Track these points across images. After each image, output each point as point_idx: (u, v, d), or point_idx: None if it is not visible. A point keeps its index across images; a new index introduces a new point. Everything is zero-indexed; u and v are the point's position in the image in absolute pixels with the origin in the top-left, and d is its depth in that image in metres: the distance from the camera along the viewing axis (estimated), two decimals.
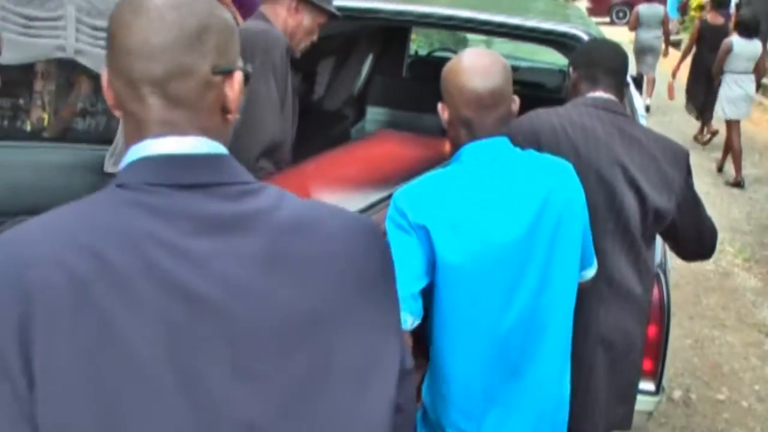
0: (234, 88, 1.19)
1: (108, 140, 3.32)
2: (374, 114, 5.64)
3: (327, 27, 3.21)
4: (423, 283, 2.06)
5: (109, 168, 3.31)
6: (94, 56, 3.21)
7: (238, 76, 1.20)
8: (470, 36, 6.51)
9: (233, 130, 1.25)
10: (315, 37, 3.14)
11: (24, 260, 1.02)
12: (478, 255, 2.06)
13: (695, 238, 2.79)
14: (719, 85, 9.04)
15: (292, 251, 1.13)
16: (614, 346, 2.58)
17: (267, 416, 1.08)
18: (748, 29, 8.87)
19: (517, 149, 2.20)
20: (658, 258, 3.31)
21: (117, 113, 1.21)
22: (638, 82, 5.89)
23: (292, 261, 1.13)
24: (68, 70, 3.17)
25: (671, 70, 10.43)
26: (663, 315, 3.12)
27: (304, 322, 1.12)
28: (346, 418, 1.14)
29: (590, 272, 2.36)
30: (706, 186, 8.72)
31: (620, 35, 11.07)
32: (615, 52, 2.74)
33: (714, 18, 10.20)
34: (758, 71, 8.96)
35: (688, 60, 10.52)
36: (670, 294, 3.20)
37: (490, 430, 2.16)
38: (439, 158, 2.68)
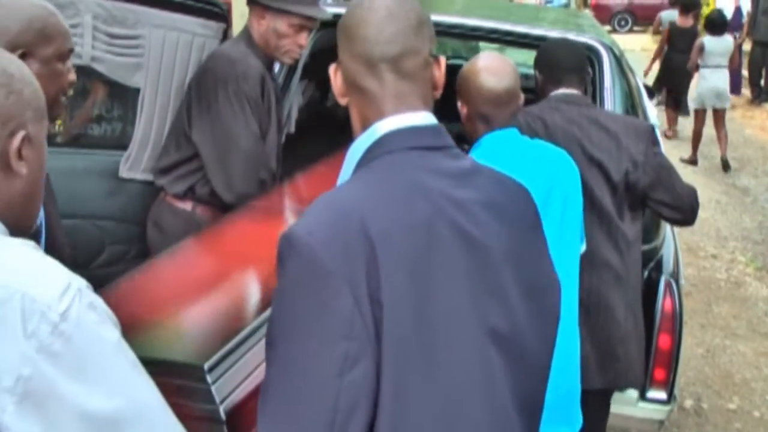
0: (440, 70, 1.51)
1: (123, 146, 3.34)
2: None
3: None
4: None
5: (123, 173, 3.33)
6: (109, 63, 3.24)
7: (443, 60, 1.52)
8: (482, 44, 6.51)
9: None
10: (301, 41, 3.03)
11: (365, 216, 1.30)
12: None
13: (672, 202, 2.95)
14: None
15: (497, 200, 1.46)
16: (590, 310, 2.80)
17: (508, 324, 1.41)
18: (716, 27, 9.75)
19: (526, 138, 2.53)
20: (669, 267, 3.32)
21: (343, 101, 1.52)
22: (650, 90, 5.88)
23: (498, 206, 1.45)
24: (84, 77, 3.19)
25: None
26: (675, 324, 3.12)
27: (513, 251, 1.44)
28: (550, 329, 1.51)
29: (582, 247, 2.60)
30: (717, 195, 8.71)
31: (632, 43, 11.06)
32: (573, 51, 3.06)
33: (683, 21, 10.84)
34: (733, 64, 9.91)
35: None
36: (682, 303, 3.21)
37: None
38: None
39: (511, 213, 1.47)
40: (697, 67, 9.74)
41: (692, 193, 3.00)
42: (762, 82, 13.84)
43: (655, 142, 2.95)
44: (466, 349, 1.36)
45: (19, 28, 1.89)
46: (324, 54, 3.15)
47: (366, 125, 1.47)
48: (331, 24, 3.09)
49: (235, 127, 2.92)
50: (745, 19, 13.37)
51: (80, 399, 1.13)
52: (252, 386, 1.78)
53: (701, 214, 7.98)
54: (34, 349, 1.11)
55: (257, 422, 1.30)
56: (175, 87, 3.29)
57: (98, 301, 1.21)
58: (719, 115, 9.81)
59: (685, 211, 2.99)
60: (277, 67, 3.40)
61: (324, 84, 5.01)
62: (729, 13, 13.03)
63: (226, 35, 3.39)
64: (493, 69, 2.45)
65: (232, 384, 1.73)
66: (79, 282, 1.19)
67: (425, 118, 1.46)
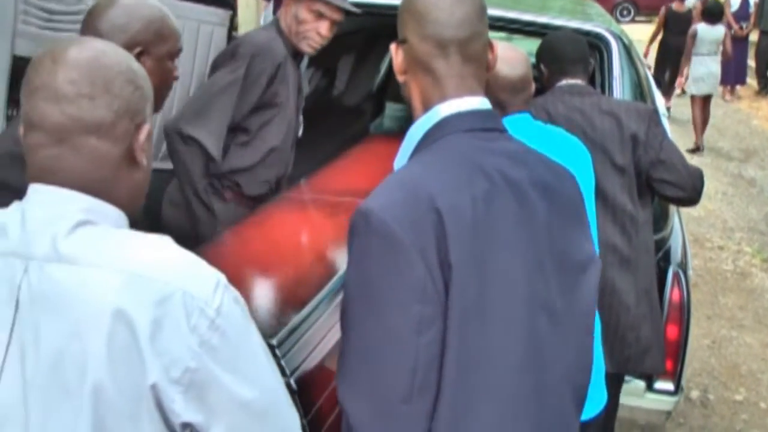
0: (494, 53, 1.63)
1: None
2: (393, 110, 5.63)
3: (347, 23, 3.19)
4: None
5: None
6: None
7: (496, 44, 1.66)
8: (490, 33, 6.50)
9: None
10: (322, 30, 3.03)
11: (432, 190, 1.41)
12: None
13: (674, 180, 2.96)
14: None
15: (546, 181, 1.56)
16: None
17: (553, 297, 1.52)
18: (712, 16, 10.19)
19: (539, 122, 2.59)
20: (678, 258, 3.30)
21: (402, 78, 1.61)
22: (657, 80, 5.86)
23: (546, 187, 1.55)
24: None
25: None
26: (683, 315, 3.11)
27: (558, 230, 1.55)
28: (589, 309, 1.62)
29: None
30: (724, 186, 8.69)
31: (638, 33, 11.02)
32: (575, 42, 3.10)
33: (678, 6, 11.45)
34: (725, 53, 10.31)
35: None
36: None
37: None
38: None
39: (558, 194, 1.57)
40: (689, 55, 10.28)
41: (696, 173, 3.01)
42: None
43: (657, 123, 3.00)
44: (518, 316, 1.47)
45: (138, 28, 2.01)
46: (330, 42, 3.13)
47: (427, 105, 1.58)
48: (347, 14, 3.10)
49: (219, 82, 2.94)
50: (752, 10, 13.28)
51: (234, 388, 1.24)
52: (318, 357, 1.95)
53: (708, 205, 8.01)
54: (196, 343, 1.22)
55: (337, 386, 1.43)
56: (181, 74, 3.27)
57: (238, 294, 1.30)
58: (707, 100, 10.24)
59: (688, 189, 2.98)
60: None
61: (330, 73, 5.00)
62: (737, 4, 12.99)
63: (232, 22, 3.38)
64: (507, 58, 2.49)
65: (300, 356, 1.88)
66: (222, 277, 1.29)
67: (481, 102, 1.58)
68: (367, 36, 4.84)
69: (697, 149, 10.00)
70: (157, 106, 1.96)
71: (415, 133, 1.59)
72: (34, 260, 1.24)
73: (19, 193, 1.50)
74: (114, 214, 1.32)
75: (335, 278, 2.25)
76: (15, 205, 1.31)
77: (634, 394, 3.19)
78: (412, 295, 1.38)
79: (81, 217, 1.27)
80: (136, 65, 1.37)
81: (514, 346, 1.46)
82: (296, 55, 3.13)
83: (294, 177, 3.35)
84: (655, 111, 3.07)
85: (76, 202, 1.28)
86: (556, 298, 1.53)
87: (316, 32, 3.03)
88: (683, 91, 11.07)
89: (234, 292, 1.29)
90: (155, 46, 2.05)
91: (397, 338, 1.37)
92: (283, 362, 1.78)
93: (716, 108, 9.80)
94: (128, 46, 1.85)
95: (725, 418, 4.41)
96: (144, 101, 1.36)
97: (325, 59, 4.03)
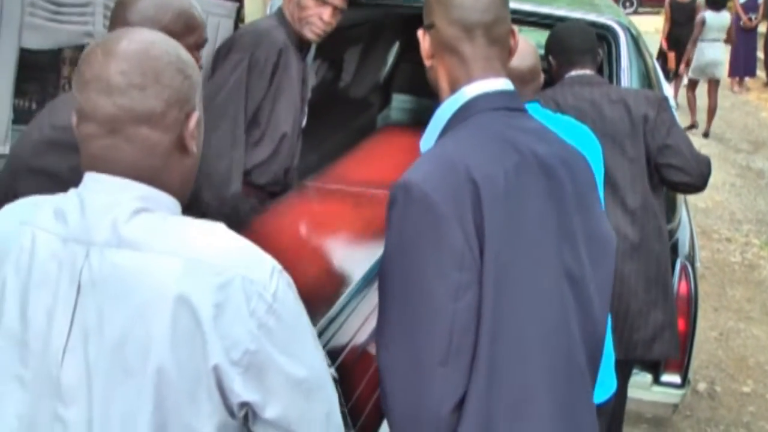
0: (515, 38, 1.72)
1: None
2: (400, 101, 5.62)
3: (354, 15, 3.18)
4: None
5: None
6: None
7: (516, 30, 1.72)
8: None
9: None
10: (325, 15, 3.01)
11: (468, 162, 1.49)
12: None
13: (680, 164, 2.97)
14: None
15: (566, 158, 1.64)
16: None
17: (578, 268, 1.60)
18: (716, 3, 10.48)
19: (548, 111, 2.59)
20: (685, 250, 3.29)
21: (429, 62, 1.69)
22: (667, 73, 5.84)
23: (568, 163, 1.63)
24: None
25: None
26: (690, 307, 3.11)
27: (580, 204, 1.63)
28: (607, 282, 1.69)
29: None
30: (732, 178, 8.66)
31: (645, 24, 10.99)
32: (583, 33, 3.12)
33: None
34: (730, 39, 10.95)
35: None
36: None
37: None
38: None
39: (577, 171, 1.65)
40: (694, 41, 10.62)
41: (703, 159, 3.02)
42: None
43: (666, 109, 3.01)
44: (547, 283, 1.55)
45: (169, 19, 2.05)
46: (336, 33, 3.12)
47: (454, 86, 1.65)
48: (351, 4, 3.09)
49: (215, 83, 2.93)
50: (761, 1, 13.22)
51: (288, 368, 1.30)
52: (356, 346, 2.03)
53: (715, 196, 7.99)
54: (255, 326, 1.27)
55: (377, 352, 1.50)
56: None
57: (291, 279, 1.35)
58: (713, 86, 10.56)
59: (694, 175, 2.99)
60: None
61: (337, 65, 4.99)
62: None
63: (239, 14, 3.37)
64: (519, 49, 2.50)
65: (339, 346, 1.97)
66: (277, 263, 1.34)
67: (506, 83, 1.66)
68: (373, 28, 4.83)
69: (691, 127, 10.23)
70: None
71: (443, 113, 1.66)
72: (95, 246, 1.28)
73: (58, 179, 1.57)
74: (168, 201, 1.36)
75: (366, 270, 2.29)
76: (72, 192, 1.34)
77: (641, 387, 3.19)
78: (451, 262, 1.45)
79: (138, 205, 1.31)
80: (185, 54, 1.40)
81: (544, 312, 1.54)
82: (301, 45, 3.11)
83: (301, 169, 3.34)
84: (665, 98, 3.09)
85: (132, 190, 1.32)
86: (582, 268, 1.60)
87: (319, 18, 3.01)
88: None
89: (287, 277, 1.34)
90: (183, 37, 2.04)
91: (436, 304, 1.44)
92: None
93: (724, 99, 9.77)
94: None
95: (732, 411, 4.41)
96: (193, 90, 1.39)
97: (332, 51, 4.03)
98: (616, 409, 2.95)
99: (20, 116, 2.83)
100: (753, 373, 4.82)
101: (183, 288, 1.24)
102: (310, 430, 1.34)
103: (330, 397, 1.39)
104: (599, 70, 3.26)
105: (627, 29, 3.61)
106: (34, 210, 1.36)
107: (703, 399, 4.49)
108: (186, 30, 2.10)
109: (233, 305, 1.26)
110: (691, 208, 4.75)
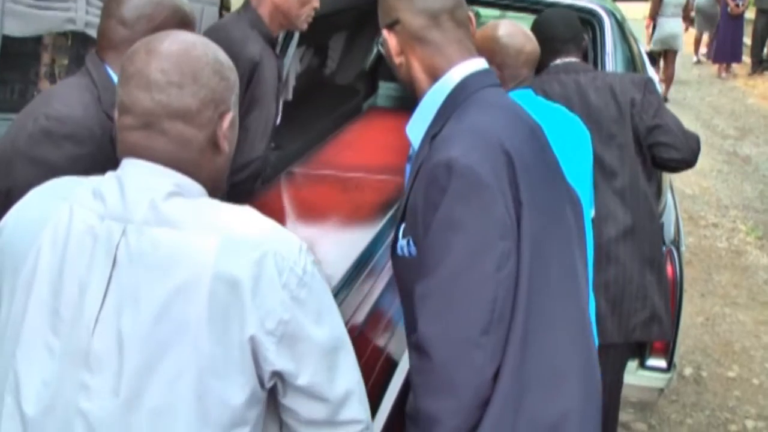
0: (473, 24, 1.78)
1: None
2: (386, 89, 5.60)
3: (340, 1, 3.16)
4: None
5: None
6: None
7: (472, 13, 1.78)
8: (482, 11, 6.45)
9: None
10: (316, 3, 2.95)
11: (500, 135, 1.59)
12: None
13: (670, 141, 2.99)
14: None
15: (538, 126, 1.77)
16: (600, 264, 2.85)
17: (577, 223, 1.76)
18: None
19: (540, 98, 2.65)
20: (671, 235, 3.30)
21: (399, 59, 1.74)
22: (652, 57, 5.84)
23: (541, 131, 1.77)
24: (79, 44, 3.16)
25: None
26: (676, 292, 3.11)
27: (558, 166, 1.78)
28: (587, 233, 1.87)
29: (592, 212, 2.63)
30: (719, 164, 8.69)
31: (633, 12, 10.99)
32: (567, 20, 3.14)
33: None
34: (687, 16, 11.79)
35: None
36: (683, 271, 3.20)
37: None
38: None
39: (545, 137, 1.78)
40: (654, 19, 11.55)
41: (692, 135, 3.05)
42: (766, 51, 13.75)
43: (653, 91, 3.04)
44: (568, 248, 1.69)
45: (165, 16, 2.07)
46: (322, 20, 3.10)
47: (435, 74, 1.70)
48: None
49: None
50: None
51: (317, 336, 1.38)
52: (357, 321, 2.10)
53: (702, 182, 8.01)
54: (288, 297, 1.35)
55: (418, 327, 1.56)
56: None
57: (314, 256, 1.44)
58: (671, 56, 11.53)
59: (684, 150, 3.01)
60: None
61: (323, 51, 4.97)
62: None
63: (223, 3, 3.35)
64: (526, 33, 2.61)
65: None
66: (302, 241, 1.43)
67: (484, 62, 1.75)
68: (359, 14, 4.81)
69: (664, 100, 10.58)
70: None
71: (432, 100, 1.70)
72: (132, 223, 1.35)
73: (56, 169, 1.66)
74: (199, 190, 1.44)
75: (359, 254, 2.33)
76: (110, 175, 1.42)
77: (627, 371, 3.19)
78: (496, 231, 1.54)
79: (173, 189, 1.39)
80: (223, 57, 1.48)
81: (566, 276, 1.66)
82: (272, 41, 3.02)
83: (285, 157, 3.33)
84: (650, 79, 3.10)
85: (169, 177, 1.40)
86: (580, 232, 1.75)
87: (313, 8, 2.97)
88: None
89: (312, 255, 1.43)
90: None
91: (483, 273, 1.52)
92: None
93: (711, 86, 9.80)
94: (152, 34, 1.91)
95: (718, 395, 4.43)
96: (229, 91, 1.47)
97: (317, 38, 4.01)
98: (612, 394, 2.97)
99: (1, 105, 2.82)
100: (738, 358, 4.84)
101: (221, 263, 1.32)
102: (337, 393, 1.41)
103: (353, 362, 1.47)
104: (584, 55, 3.26)
105: (612, 14, 3.61)
106: (73, 188, 1.44)
107: (689, 384, 4.51)
108: (181, 26, 2.05)
109: (267, 278, 1.34)
110: (678, 194, 4.76)
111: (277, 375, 1.37)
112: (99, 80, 2.02)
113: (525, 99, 2.50)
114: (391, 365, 2.27)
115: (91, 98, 2.00)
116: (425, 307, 1.57)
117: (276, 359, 1.35)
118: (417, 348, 1.57)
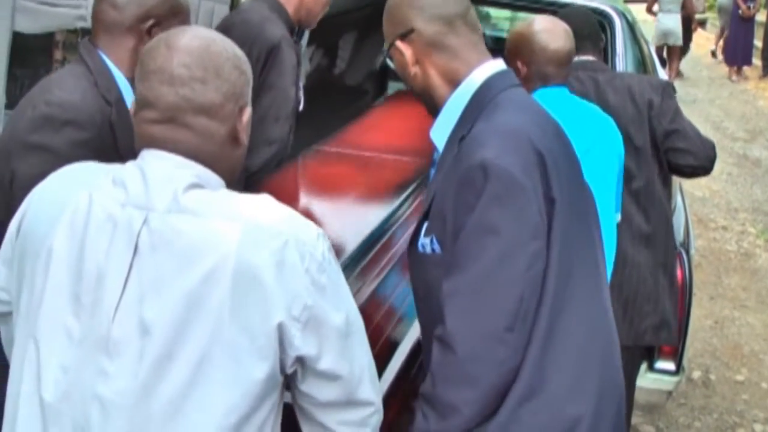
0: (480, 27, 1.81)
1: None
2: (396, 89, 5.61)
3: (350, 1, 3.17)
4: None
5: None
6: None
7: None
8: (493, 12, 6.44)
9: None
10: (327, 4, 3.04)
11: (530, 135, 1.61)
12: None
13: (687, 147, 2.99)
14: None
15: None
16: (615, 267, 2.79)
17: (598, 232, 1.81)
18: None
19: (575, 97, 2.63)
20: (680, 237, 3.29)
21: (414, 69, 1.74)
22: (661, 57, 5.83)
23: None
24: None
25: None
26: (685, 295, 3.10)
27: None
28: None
29: (618, 217, 2.62)
30: (729, 167, 8.66)
31: (643, 13, 10.96)
32: (585, 19, 3.11)
33: None
34: (686, 9, 12.03)
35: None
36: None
37: None
38: None
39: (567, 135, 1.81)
40: (654, 13, 12.04)
41: (708, 142, 3.04)
42: None
43: (671, 96, 3.01)
44: (593, 243, 1.74)
45: (155, 2, 2.07)
46: (331, 19, 3.11)
47: (454, 79, 1.72)
48: None
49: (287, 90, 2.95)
50: None
51: (337, 319, 1.41)
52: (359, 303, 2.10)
53: (712, 185, 7.98)
54: (310, 282, 1.38)
55: (444, 321, 1.58)
56: None
57: (329, 242, 1.47)
58: (673, 51, 12.03)
59: (701, 157, 3.00)
60: None
61: (332, 51, 4.97)
62: None
63: (233, 2, 3.35)
64: (557, 31, 2.57)
65: None
66: (319, 228, 1.46)
67: (503, 63, 1.77)
68: (369, 14, 4.81)
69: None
70: None
71: (455, 105, 1.71)
72: (154, 211, 1.37)
73: (58, 155, 1.70)
74: (219, 182, 1.46)
75: (367, 233, 2.37)
76: (131, 164, 1.43)
77: None
78: (529, 232, 1.56)
79: (194, 180, 1.40)
80: (239, 52, 1.49)
81: (589, 275, 1.70)
82: (293, 30, 3.07)
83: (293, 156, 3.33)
84: (669, 84, 3.09)
85: (191, 168, 1.42)
86: (599, 231, 1.79)
87: (323, 6, 3.03)
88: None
89: (328, 241, 1.46)
90: (168, 20, 2.08)
91: (514, 273, 1.55)
92: None
93: (722, 88, 9.77)
94: (142, 19, 2.02)
95: (726, 399, 4.41)
96: (247, 85, 1.49)
97: (327, 38, 4.01)
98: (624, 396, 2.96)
99: (13, 102, 2.81)
100: (747, 361, 4.82)
101: (243, 251, 1.34)
102: (353, 375, 1.45)
103: (367, 345, 1.51)
104: (603, 56, 3.24)
105: (623, 15, 3.61)
106: (93, 174, 1.47)
107: (698, 387, 4.50)
108: (171, 13, 2.10)
109: (290, 264, 1.36)
110: (688, 196, 4.75)
111: (299, 360, 1.40)
112: (93, 66, 2.03)
113: (559, 97, 2.50)
114: (392, 345, 2.25)
115: (88, 84, 2.01)
116: (453, 304, 1.59)
117: (302, 344, 1.38)
118: (441, 341, 1.60)
